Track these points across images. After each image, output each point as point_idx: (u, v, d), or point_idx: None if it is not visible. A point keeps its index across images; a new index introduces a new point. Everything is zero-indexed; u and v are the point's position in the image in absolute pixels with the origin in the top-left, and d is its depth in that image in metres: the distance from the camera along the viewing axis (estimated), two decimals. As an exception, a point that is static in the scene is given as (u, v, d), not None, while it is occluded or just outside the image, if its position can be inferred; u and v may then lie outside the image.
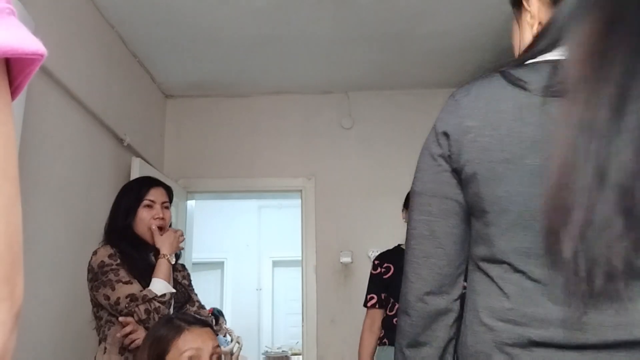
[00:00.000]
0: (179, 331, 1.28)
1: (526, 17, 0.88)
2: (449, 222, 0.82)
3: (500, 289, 0.75)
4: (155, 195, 1.93)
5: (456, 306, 0.84)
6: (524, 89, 0.75)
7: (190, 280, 2.04)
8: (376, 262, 2.44)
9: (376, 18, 2.87)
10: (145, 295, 1.70)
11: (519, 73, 0.78)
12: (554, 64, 0.75)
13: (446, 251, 0.82)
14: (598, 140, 0.66)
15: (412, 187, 0.87)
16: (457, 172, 0.80)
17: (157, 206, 1.92)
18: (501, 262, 0.76)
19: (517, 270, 0.74)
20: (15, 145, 0.39)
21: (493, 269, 0.77)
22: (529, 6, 0.87)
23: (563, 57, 0.74)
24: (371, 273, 2.44)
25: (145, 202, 1.89)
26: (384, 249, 2.51)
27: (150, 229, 1.88)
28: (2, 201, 0.37)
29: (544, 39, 0.79)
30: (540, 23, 0.85)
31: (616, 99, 0.66)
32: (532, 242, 0.72)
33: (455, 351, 0.84)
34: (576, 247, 0.65)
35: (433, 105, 3.69)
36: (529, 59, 0.80)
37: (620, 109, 0.66)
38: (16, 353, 0.40)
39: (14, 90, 0.40)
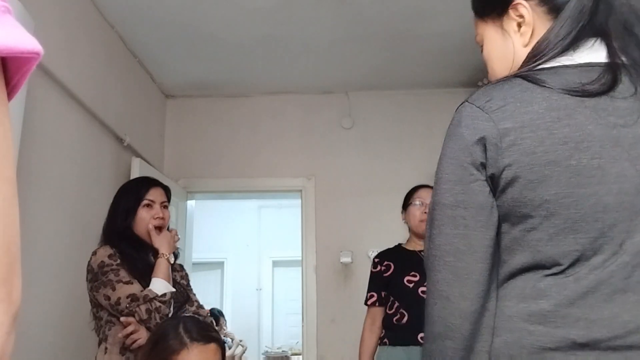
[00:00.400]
0: (180, 346, 1.25)
1: (512, 26, 0.86)
2: (487, 234, 0.77)
3: (541, 292, 0.73)
4: (155, 195, 1.93)
5: (492, 321, 0.79)
6: (554, 89, 0.74)
7: (188, 280, 2.03)
8: (376, 260, 2.44)
9: (376, 18, 2.86)
10: (146, 295, 1.70)
11: (541, 76, 0.77)
12: (579, 67, 0.76)
13: (487, 266, 0.77)
14: None
15: (437, 200, 0.81)
16: (492, 179, 0.76)
17: (157, 206, 1.92)
18: (544, 267, 0.73)
19: (563, 273, 0.72)
20: (12, 146, 0.39)
21: (533, 274, 0.74)
22: (520, 14, 0.84)
23: (592, 60, 0.76)
24: (371, 271, 2.44)
25: (145, 201, 1.90)
26: (384, 249, 2.51)
27: (159, 227, 1.89)
28: (-1, 202, 0.36)
29: (556, 46, 0.79)
30: (533, 31, 0.84)
31: None
32: (583, 245, 0.71)
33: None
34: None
35: (433, 105, 3.72)
36: (540, 66, 0.79)
37: None
38: (15, 354, 0.40)
39: (11, 90, 0.40)
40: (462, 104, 0.82)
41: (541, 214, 0.73)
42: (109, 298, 1.70)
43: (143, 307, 1.68)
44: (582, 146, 0.71)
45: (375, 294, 2.38)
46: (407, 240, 2.45)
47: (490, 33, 0.91)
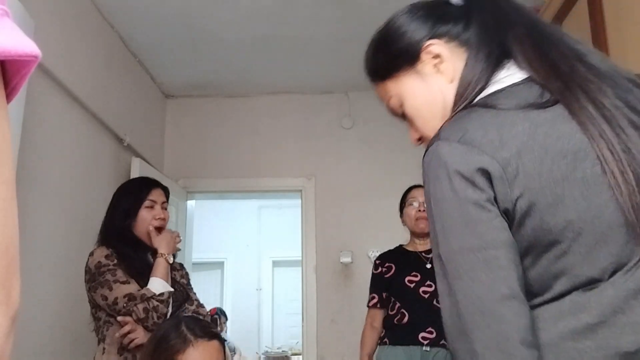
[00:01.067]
0: (185, 344, 1.25)
1: (429, 68, 0.84)
2: (520, 272, 0.70)
3: (580, 306, 0.68)
4: (156, 195, 1.94)
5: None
6: (522, 107, 0.72)
7: (188, 279, 2.03)
8: (377, 262, 2.45)
9: (376, 18, 2.85)
10: (144, 294, 1.70)
11: (497, 100, 0.74)
12: (521, 84, 0.75)
13: (527, 307, 0.69)
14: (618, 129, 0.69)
15: (453, 247, 0.71)
16: (507, 213, 0.70)
17: (158, 206, 1.93)
18: (584, 286, 0.69)
19: (602, 286, 0.68)
20: (11, 148, 0.39)
21: (569, 297, 0.69)
22: (436, 54, 0.83)
23: (525, 76, 0.76)
24: (373, 273, 2.44)
25: (147, 202, 1.90)
26: (384, 249, 2.52)
27: (160, 227, 1.89)
28: (-3, 204, 0.36)
29: (479, 81, 0.79)
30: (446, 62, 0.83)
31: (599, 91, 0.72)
32: (617, 254, 0.68)
33: None
34: None
35: (433, 105, 3.71)
36: (478, 96, 0.78)
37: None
38: (14, 355, 0.40)
39: (9, 93, 0.40)
40: (430, 147, 0.75)
41: (569, 236, 0.68)
42: (106, 298, 1.71)
43: (140, 306, 1.68)
44: (580, 156, 0.69)
45: (376, 296, 2.38)
46: (408, 241, 2.45)
47: (407, 86, 0.87)
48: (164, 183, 2.06)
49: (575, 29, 2.09)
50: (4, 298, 0.36)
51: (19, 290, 0.38)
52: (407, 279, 2.28)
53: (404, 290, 2.27)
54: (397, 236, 2.61)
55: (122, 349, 1.69)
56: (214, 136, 3.81)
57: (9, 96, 0.40)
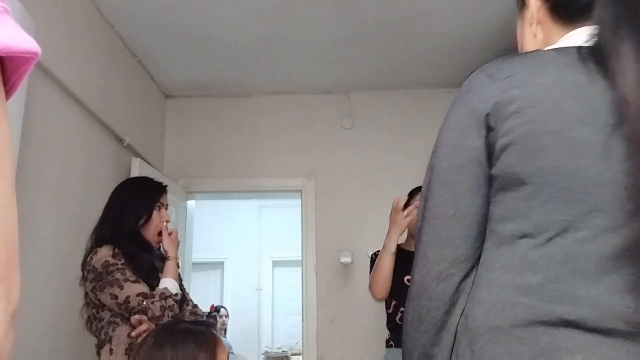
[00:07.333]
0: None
1: (527, 15, 0.92)
2: (476, 201, 0.78)
3: (529, 264, 0.72)
4: (164, 198, 2.00)
5: (468, 287, 0.79)
6: (565, 64, 0.76)
7: (181, 280, 2.04)
8: (374, 256, 2.45)
9: (376, 18, 2.87)
10: (163, 292, 1.71)
11: (552, 53, 0.79)
12: (583, 48, 0.78)
13: (471, 234, 0.78)
14: None
15: (434, 163, 0.83)
16: (489, 146, 0.77)
17: (164, 208, 1.97)
18: (533, 235, 0.73)
19: (551, 243, 0.72)
20: (10, 145, 0.39)
21: (521, 244, 0.74)
22: (530, 5, 0.91)
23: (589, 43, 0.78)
24: (370, 268, 2.44)
25: (159, 204, 1.95)
26: (382, 248, 2.51)
27: (162, 230, 1.93)
28: (-3, 201, 0.37)
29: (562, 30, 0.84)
30: (539, 22, 0.89)
31: None
32: (574, 216, 0.71)
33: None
34: None
35: (433, 105, 3.72)
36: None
37: None
38: (13, 353, 0.40)
39: (8, 90, 0.40)
40: (472, 72, 0.84)
41: (536, 182, 0.73)
42: (116, 297, 1.68)
43: (158, 304, 1.67)
44: (585, 120, 0.72)
45: None
46: (406, 240, 2.45)
47: (519, 18, 0.96)
48: (164, 183, 2.08)
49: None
50: (4, 294, 0.36)
51: (18, 287, 0.39)
52: (405, 278, 2.28)
53: (402, 289, 2.27)
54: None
55: (131, 349, 1.67)
56: (214, 136, 3.81)
57: (8, 93, 0.40)
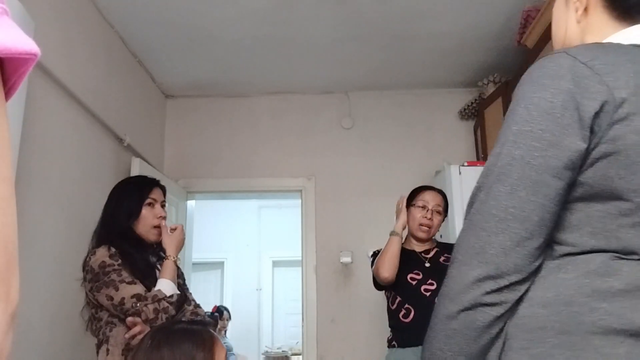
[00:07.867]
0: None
1: (571, 1, 0.87)
2: (557, 209, 0.68)
3: (612, 270, 0.66)
4: (156, 194, 1.94)
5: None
6: None
7: (184, 279, 2.03)
8: (374, 256, 2.45)
9: (376, 18, 2.86)
10: (156, 295, 1.69)
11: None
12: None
13: (545, 242, 0.70)
14: None
15: (519, 154, 0.69)
16: (586, 150, 0.67)
17: (158, 205, 1.93)
18: (616, 253, 0.67)
19: (637, 262, 0.65)
20: (10, 146, 0.39)
21: (600, 256, 0.67)
22: None
23: None
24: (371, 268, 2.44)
25: (148, 200, 1.90)
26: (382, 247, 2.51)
27: (159, 226, 1.89)
28: (-4, 201, 0.37)
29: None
30: (586, 9, 0.84)
31: None
32: None
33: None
34: None
35: (433, 105, 3.72)
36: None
37: None
38: (13, 354, 0.40)
39: (7, 91, 0.40)
40: (554, 54, 0.72)
41: (635, 200, 0.65)
42: (111, 298, 1.68)
43: (151, 307, 1.66)
44: None
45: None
46: (405, 240, 2.44)
47: (559, 3, 0.92)
48: (164, 183, 2.06)
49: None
50: (4, 295, 0.36)
51: (18, 288, 0.39)
52: (409, 276, 2.28)
53: (405, 286, 2.27)
54: (397, 236, 2.60)
55: (128, 350, 1.67)
56: (214, 136, 3.81)
57: (7, 94, 0.40)
